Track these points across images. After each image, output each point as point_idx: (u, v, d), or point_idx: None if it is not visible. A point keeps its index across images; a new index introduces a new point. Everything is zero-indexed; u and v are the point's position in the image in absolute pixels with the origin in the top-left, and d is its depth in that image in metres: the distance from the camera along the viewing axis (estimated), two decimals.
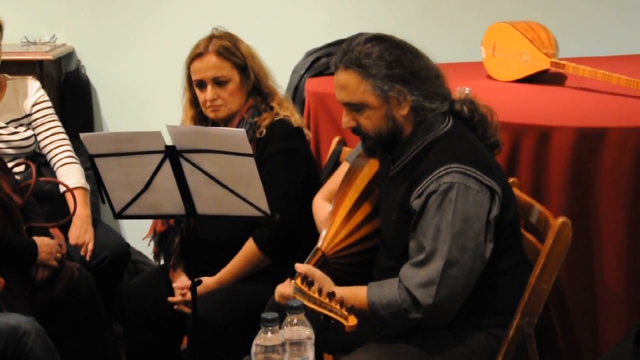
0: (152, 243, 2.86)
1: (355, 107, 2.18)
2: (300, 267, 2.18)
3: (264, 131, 2.71)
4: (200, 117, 2.81)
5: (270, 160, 2.69)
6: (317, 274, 2.16)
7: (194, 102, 2.80)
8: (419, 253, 2.10)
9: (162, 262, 2.87)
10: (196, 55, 2.73)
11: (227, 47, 2.72)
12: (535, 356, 2.26)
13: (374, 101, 2.15)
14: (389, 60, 2.13)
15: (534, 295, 2.20)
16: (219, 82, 2.71)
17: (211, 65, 2.70)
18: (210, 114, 2.75)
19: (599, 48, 3.79)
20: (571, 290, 2.56)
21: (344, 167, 2.56)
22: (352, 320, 1.95)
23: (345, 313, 1.96)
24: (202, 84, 2.73)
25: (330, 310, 1.99)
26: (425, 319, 2.10)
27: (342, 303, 1.98)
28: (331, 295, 2.01)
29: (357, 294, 2.13)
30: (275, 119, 2.73)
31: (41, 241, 2.69)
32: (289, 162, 2.70)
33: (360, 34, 2.24)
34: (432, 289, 2.07)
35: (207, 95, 2.71)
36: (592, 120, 2.69)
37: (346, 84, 2.17)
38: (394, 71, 2.13)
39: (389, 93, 2.14)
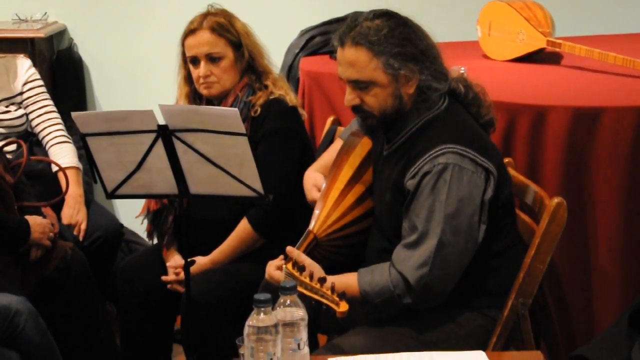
0: (146, 222, 2.84)
1: (363, 85, 2.14)
2: (291, 252, 2.16)
3: (259, 110, 2.70)
4: (194, 95, 2.79)
5: (264, 140, 2.67)
6: (307, 261, 2.14)
7: (188, 79, 2.78)
8: (412, 233, 2.09)
9: (155, 240, 2.86)
10: (190, 31, 2.71)
11: (221, 24, 2.70)
12: (530, 336, 2.26)
13: (383, 79, 2.12)
14: (400, 38, 2.10)
15: (529, 275, 2.20)
16: (213, 59, 2.69)
17: (204, 41, 2.68)
18: (203, 91, 2.74)
19: (596, 27, 3.76)
20: (566, 271, 2.56)
21: (337, 144, 2.54)
22: (344, 306, 1.94)
23: (337, 299, 1.95)
24: (195, 60, 2.71)
25: (322, 296, 1.98)
26: (418, 302, 2.09)
27: (333, 289, 1.97)
28: (322, 280, 2.00)
29: (348, 282, 2.12)
30: (270, 97, 2.72)
31: (34, 220, 2.67)
32: (284, 142, 2.69)
33: (360, 12, 2.20)
34: (424, 270, 2.06)
35: (200, 71, 2.70)
36: (588, 99, 2.67)
37: (355, 60, 2.12)
38: (405, 49, 2.10)
39: (400, 71, 2.10)
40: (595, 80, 2.93)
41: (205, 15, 2.72)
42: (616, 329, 2.13)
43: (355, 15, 2.17)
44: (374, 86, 2.13)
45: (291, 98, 2.75)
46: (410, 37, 2.11)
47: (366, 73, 2.12)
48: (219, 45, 2.69)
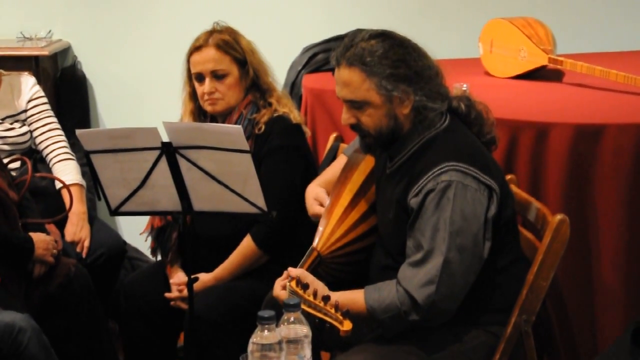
0: (149, 239, 2.85)
1: (357, 105, 2.16)
2: (293, 271, 2.16)
3: (263, 127, 2.71)
4: (199, 112, 2.81)
5: (268, 157, 2.68)
6: (310, 278, 2.15)
7: (193, 96, 2.79)
8: (417, 252, 2.09)
9: (159, 257, 2.87)
10: (195, 48, 2.73)
11: (227, 41, 2.71)
12: (533, 353, 2.25)
13: (377, 100, 2.14)
14: (394, 59, 2.12)
15: (532, 292, 2.20)
16: (218, 76, 2.71)
17: (210, 58, 2.70)
18: (207, 108, 2.75)
19: (597, 44, 3.78)
20: (569, 288, 2.56)
21: (341, 160, 2.55)
22: (347, 325, 1.95)
23: (341, 317, 1.96)
24: (200, 77, 2.73)
25: (326, 314, 1.99)
26: (424, 320, 2.09)
27: (337, 307, 1.98)
28: (326, 298, 2.00)
29: (354, 298, 2.12)
30: (274, 115, 2.73)
31: (37, 237, 2.68)
32: (288, 159, 2.69)
33: (360, 30, 2.22)
34: (431, 289, 2.06)
35: (205, 88, 2.71)
36: (590, 116, 2.68)
37: (349, 81, 2.14)
38: (399, 70, 2.11)
39: (393, 92, 2.12)
40: (596, 98, 2.93)
41: (211, 32, 2.74)
42: (619, 346, 2.12)
43: (354, 35, 2.19)
44: (368, 106, 2.15)
45: (295, 115, 2.76)
46: (404, 59, 2.13)
47: (360, 93, 2.14)
48: (224, 62, 2.71)
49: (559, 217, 2.20)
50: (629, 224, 2.51)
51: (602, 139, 2.51)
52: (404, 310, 2.09)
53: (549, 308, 2.53)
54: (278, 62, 3.01)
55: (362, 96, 2.14)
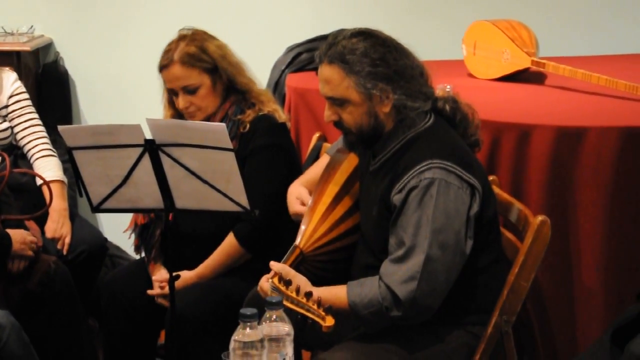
0: (132, 237, 2.84)
1: (338, 102, 2.18)
2: (275, 265, 2.17)
3: (248, 126, 2.70)
4: (179, 117, 2.78)
5: (253, 155, 2.68)
6: (292, 273, 2.15)
7: (171, 104, 2.78)
8: (399, 248, 2.10)
9: (142, 255, 2.86)
10: (163, 67, 2.70)
11: (192, 54, 2.67)
12: (513, 354, 2.27)
13: (356, 97, 2.15)
14: (374, 58, 2.13)
15: (513, 293, 2.21)
16: (189, 91, 2.68)
17: (177, 76, 2.67)
18: (187, 119, 2.73)
19: (580, 48, 3.81)
20: (549, 288, 2.57)
21: (324, 159, 2.55)
22: (330, 321, 1.95)
23: (323, 313, 1.96)
24: (174, 92, 2.72)
25: (308, 310, 1.99)
26: (406, 316, 2.10)
27: (319, 303, 1.98)
28: (309, 294, 2.01)
29: (337, 294, 2.13)
30: (260, 114, 2.72)
31: (14, 232, 2.65)
32: (272, 158, 2.69)
33: (344, 29, 2.23)
34: (412, 285, 2.07)
35: (179, 104, 2.70)
36: (572, 119, 2.70)
37: (330, 78, 2.16)
38: (378, 69, 2.13)
39: (372, 91, 2.13)
40: (578, 100, 2.95)
41: (178, 42, 2.69)
42: (599, 347, 2.14)
43: (337, 33, 2.21)
44: (348, 104, 2.16)
45: (280, 114, 2.75)
46: (384, 57, 2.14)
47: (339, 91, 2.16)
48: (192, 76, 2.67)
49: (540, 218, 2.21)
50: (609, 226, 2.52)
51: (583, 142, 2.53)
52: (385, 306, 2.09)
53: (530, 309, 2.54)
54: (262, 61, 3.01)
55: (342, 94, 2.15)
